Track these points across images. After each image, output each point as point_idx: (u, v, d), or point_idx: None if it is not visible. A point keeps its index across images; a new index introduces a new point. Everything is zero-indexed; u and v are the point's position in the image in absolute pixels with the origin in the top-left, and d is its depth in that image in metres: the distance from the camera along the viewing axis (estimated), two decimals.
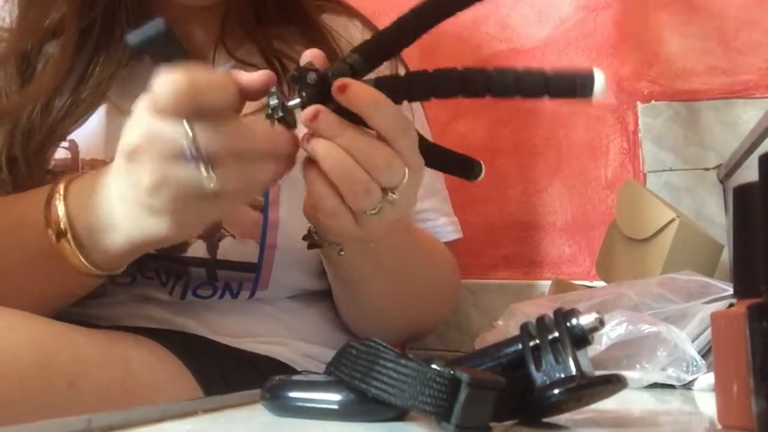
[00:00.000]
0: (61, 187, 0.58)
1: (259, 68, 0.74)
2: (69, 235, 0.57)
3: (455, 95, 0.51)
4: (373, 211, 0.52)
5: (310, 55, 0.50)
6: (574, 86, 0.50)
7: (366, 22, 0.84)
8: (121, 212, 0.53)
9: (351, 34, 0.81)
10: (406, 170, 0.51)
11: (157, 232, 0.51)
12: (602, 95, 0.50)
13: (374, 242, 0.57)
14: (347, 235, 0.54)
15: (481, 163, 0.57)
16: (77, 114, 0.71)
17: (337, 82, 0.48)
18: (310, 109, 0.49)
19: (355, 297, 0.74)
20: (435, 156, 0.56)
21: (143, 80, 0.75)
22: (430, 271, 0.78)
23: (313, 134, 0.49)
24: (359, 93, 0.49)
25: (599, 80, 0.49)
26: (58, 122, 0.71)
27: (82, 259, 0.58)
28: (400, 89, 0.52)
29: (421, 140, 0.54)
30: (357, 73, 0.50)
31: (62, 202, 0.57)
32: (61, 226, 0.57)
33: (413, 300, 0.76)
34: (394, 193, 0.51)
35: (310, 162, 0.51)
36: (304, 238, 0.62)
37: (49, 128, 0.70)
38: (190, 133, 0.46)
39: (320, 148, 0.49)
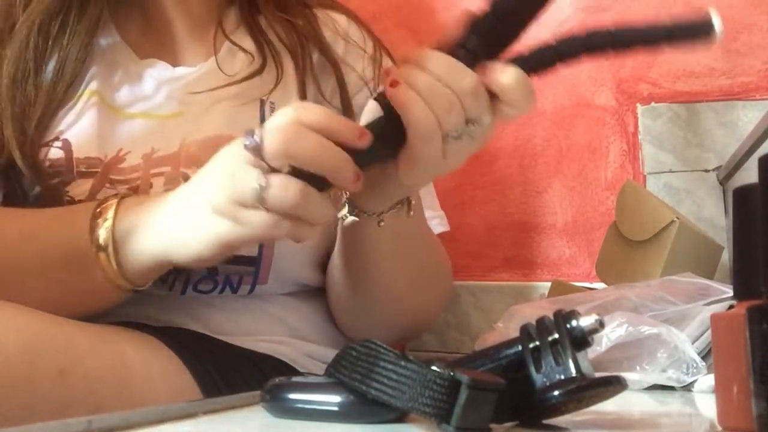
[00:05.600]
0: (113, 205, 0.61)
1: (249, 53, 0.79)
2: (110, 248, 0.60)
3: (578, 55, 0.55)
4: (456, 135, 0.53)
5: None
6: (696, 30, 0.49)
7: (351, 16, 0.85)
8: (166, 216, 0.58)
9: (336, 25, 0.83)
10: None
11: (219, 232, 0.55)
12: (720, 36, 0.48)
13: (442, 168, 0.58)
14: (430, 166, 0.55)
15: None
16: (66, 81, 0.75)
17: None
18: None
19: (367, 284, 0.72)
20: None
21: (128, 72, 0.78)
22: (434, 256, 0.78)
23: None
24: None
25: (717, 21, 0.48)
26: (50, 92, 0.74)
27: (115, 267, 0.60)
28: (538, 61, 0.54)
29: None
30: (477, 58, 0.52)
31: (111, 217, 0.61)
32: (101, 241, 0.60)
33: (421, 285, 0.75)
34: (474, 124, 0.53)
35: (403, 91, 0.52)
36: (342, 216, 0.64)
37: (45, 97, 0.74)
38: (263, 183, 0.51)
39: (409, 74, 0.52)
